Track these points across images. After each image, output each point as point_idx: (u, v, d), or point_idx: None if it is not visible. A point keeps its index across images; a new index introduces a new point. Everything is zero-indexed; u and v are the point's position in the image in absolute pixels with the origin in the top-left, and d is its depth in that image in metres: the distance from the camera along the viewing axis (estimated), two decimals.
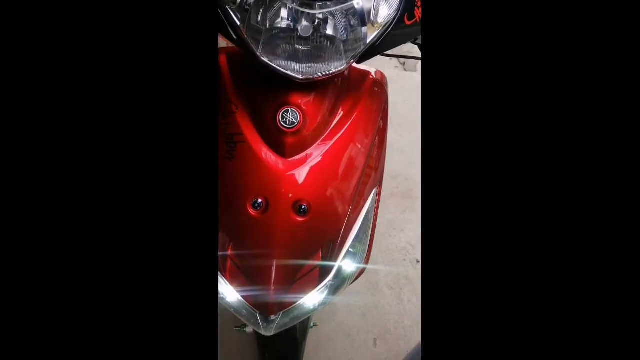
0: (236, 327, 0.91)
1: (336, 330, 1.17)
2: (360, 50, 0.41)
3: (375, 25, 0.40)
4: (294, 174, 0.47)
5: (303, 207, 0.46)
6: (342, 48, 0.42)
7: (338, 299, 0.52)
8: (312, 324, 0.83)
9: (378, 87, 0.56)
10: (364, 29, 0.39)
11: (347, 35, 0.41)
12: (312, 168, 0.48)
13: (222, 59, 0.54)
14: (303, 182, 0.47)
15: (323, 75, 0.42)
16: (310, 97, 0.47)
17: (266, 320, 0.49)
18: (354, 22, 0.39)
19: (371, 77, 0.57)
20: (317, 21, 0.39)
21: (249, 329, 0.85)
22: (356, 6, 0.38)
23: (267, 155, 0.47)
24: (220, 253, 0.48)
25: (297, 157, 0.47)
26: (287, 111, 0.45)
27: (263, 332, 0.50)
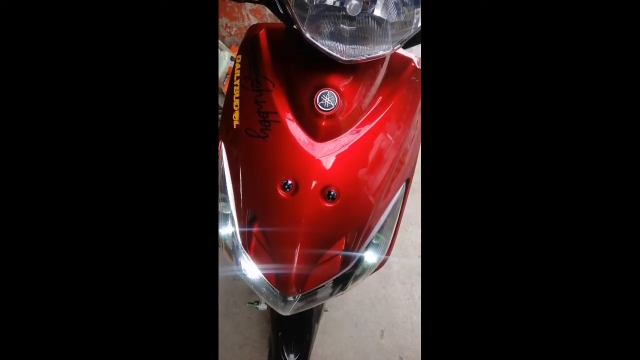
0: (249, 303, 0.93)
1: (344, 317, 1.18)
2: (408, 35, 0.39)
3: None
4: (325, 159, 0.46)
5: (332, 192, 0.45)
6: (389, 31, 0.40)
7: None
8: (324, 309, 0.84)
9: (419, 77, 0.54)
10: (417, 10, 0.37)
11: (396, 18, 0.39)
12: (344, 154, 0.46)
13: (262, 34, 0.53)
14: (334, 168, 0.46)
15: (367, 58, 0.40)
16: (350, 80, 0.45)
17: (285, 300, 0.49)
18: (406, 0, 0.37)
19: (413, 64, 0.54)
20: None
21: (262, 307, 0.87)
22: None
23: (301, 137, 0.46)
24: (245, 229, 0.49)
25: (330, 142, 0.46)
26: (325, 93, 0.44)
27: (281, 312, 0.50)
